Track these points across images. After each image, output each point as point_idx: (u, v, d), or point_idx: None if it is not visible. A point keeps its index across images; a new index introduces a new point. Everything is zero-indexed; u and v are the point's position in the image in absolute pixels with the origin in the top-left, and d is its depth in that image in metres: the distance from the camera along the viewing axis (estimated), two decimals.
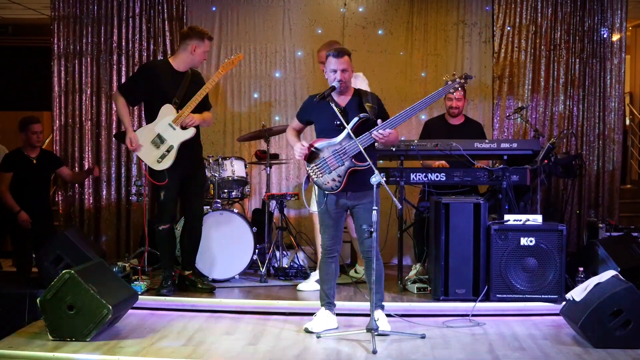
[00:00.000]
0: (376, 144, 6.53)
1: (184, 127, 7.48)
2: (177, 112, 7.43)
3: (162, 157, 7.44)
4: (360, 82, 7.74)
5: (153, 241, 8.52)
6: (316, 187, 6.58)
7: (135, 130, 7.56)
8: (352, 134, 6.31)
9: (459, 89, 6.82)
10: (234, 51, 10.31)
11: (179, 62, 7.60)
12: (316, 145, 6.49)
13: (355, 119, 6.35)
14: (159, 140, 7.45)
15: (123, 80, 9.89)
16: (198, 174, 7.77)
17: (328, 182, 6.44)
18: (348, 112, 6.44)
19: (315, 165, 6.48)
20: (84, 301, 6.07)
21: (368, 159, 6.21)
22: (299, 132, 6.83)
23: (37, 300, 6.16)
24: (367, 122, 6.38)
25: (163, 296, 7.44)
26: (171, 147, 7.45)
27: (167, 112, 7.47)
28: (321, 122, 6.59)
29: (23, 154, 9.04)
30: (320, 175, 6.47)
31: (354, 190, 6.44)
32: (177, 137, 7.47)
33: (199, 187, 7.79)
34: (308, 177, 6.58)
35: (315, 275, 7.77)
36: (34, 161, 9.03)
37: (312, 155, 6.51)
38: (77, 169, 9.99)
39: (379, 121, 6.34)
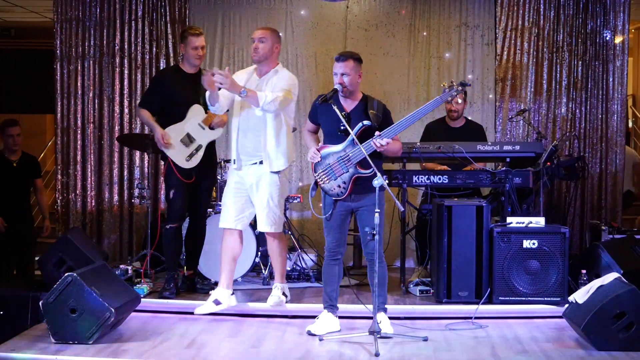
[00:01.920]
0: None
1: (211, 127, 7.59)
2: (206, 112, 7.52)
3: (191, 155, 7.52)
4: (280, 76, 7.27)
5: (155, 243, 8.56)
6: (323, 193, 6.60)
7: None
8: (356, 141, 6.30)
9: (457, 96, 6.77)
10: (236, 53, 10.32)
11: (185, 65, 7.77)
12: (322, 151, 6.51)
13: (359, 126, 6.35)
14: (188, 139, 7.55)
15: (125, 84, 9.96)
16: (208, 175, 7.80)
17: (334, 189, 6.46)
18: (352, 118, 6.45)
19: (322, 172, 6.50)
20: (86, 304, 6.07)
21: (373, 166, 6.19)
22: (315, 133, 6.88)
23: (40, 303, 6.17)
24: (370, 130, 6.37)
25: (165, 299, 7.43)
26: (200, 146, 7.57)
27: (197, 112, 7.58)
28: (326, 126, 6.63)
29: (3, 157, 9.00)
30: (327, 181, 6.48)
31: (358, 192, 6.45)
32: (206, 136, 7.60)
33: (205, 189, 7.82)
34: (316, 182, 6.60)
35: (214, 295, 7.17)
36: (14, 164, 8.99)
37: (318, 162, 6.53)
38: (80, 172, 9.98)
39: (376, 133, 6.32)
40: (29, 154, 9.34)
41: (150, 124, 7.65)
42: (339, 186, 6.44)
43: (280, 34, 10.14)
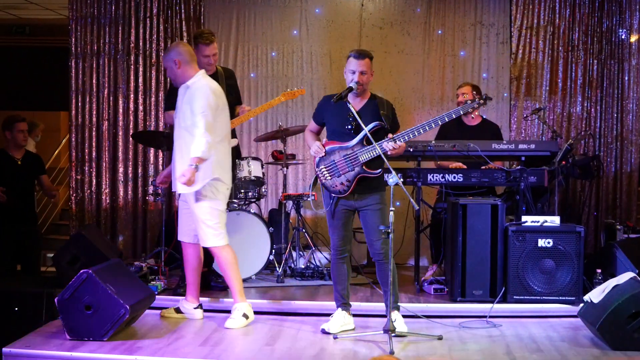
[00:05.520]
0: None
1: None
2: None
3: None
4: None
5: (170, 241, 8.56)
6: (323, 189, 6.58)
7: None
8: (371, 139, 6.29)
9: (477, 108, 6.74)
10: (250, 51, 10.35)
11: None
12: (327, 147, 6.49)
13: (372, 125, 6.34)
14: None
15: (139, 81, 10.02)
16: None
17: (336, 186, 6.43)
18: (362, 117, 6.41)
19: (325, 168, 6.48)
20: (101, 301, 6.08)
21: (388, 165, 6.18)
22: (317, 134, 6.80)
23: (55, 300, 6.18)
24: (380, 130, 6.38)
25: (180, 295, 7.44)
26: None
27: None
28: (333, 124, 6.58)
29: (7, 154, 8.84)
30: (329, 177, 6.46)
31: (361, 192, 6.44)
32: None
33: None
34: (316, 178, 6.59)
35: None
36: (19, 162, 8.85)
37: (322, 157, 6.52)
38: (94, 169, 10.00)
39: (388, 135, 6.32)
40: (31, 152, 9.26)
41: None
42: (342, 184, 6.42)
43: (295, 32, 10.31)
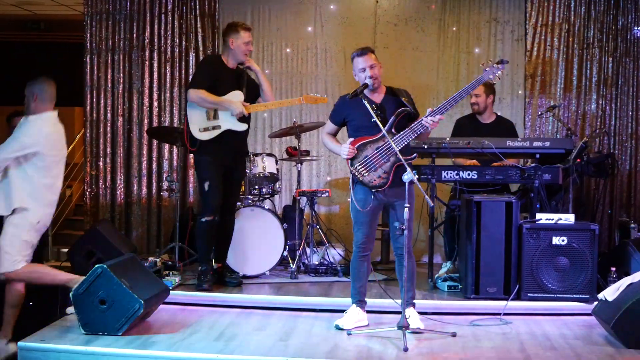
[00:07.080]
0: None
1: (240, 119, 7.56)
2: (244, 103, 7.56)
3: (206, 129, 7.49)
4: None
5: (184, 236, 8.58)
6: (355, 186, 6.53)
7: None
8: (391, 130, 6.32)
9: (498, 73, 6.66)
10: (265, 48, 10.35)
11: (226, 58, 7.70)
12: (357, 144, 6.44)
13: (393, 118, 6.36)
14: (213, 113, 7.54)
15: (154, 77, 10.05)
16: (238, 167, 7.83)
17: (375, 180, 6.40)
18: (385, 109, 6.44)
19: (360, 164, 6.43)
20: (116, 296, 6.10)
21: (405, 163, 6.18)
22: (334, 136, 6.79)
23: (70, 294, 6.20)
24: (409, 116, 6.41)
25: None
26: (218, 126, 7.53)
27: (236, 97, 7.57)
28: (356, 120, 6.54)
29: None
30: (367, 173, 6.42)
31: (392, 186, 6.42)
32: (229, 122, 7.55)
33: (236, 181, 7.84)
34: (354, 177, 6.51)
35: None
36: None
37: (354, 155, 6.49)
38: (109, 165, 10.04)
39: (428, 109, 6.32)
40: None
41: (213, 99, 7.49)
42: (380, 177, 6.39)
43: (310, 29, 10.30)
